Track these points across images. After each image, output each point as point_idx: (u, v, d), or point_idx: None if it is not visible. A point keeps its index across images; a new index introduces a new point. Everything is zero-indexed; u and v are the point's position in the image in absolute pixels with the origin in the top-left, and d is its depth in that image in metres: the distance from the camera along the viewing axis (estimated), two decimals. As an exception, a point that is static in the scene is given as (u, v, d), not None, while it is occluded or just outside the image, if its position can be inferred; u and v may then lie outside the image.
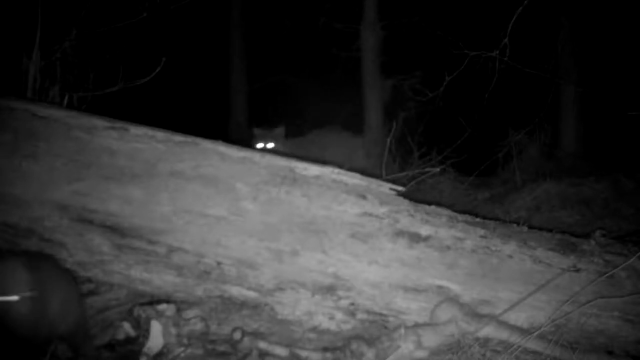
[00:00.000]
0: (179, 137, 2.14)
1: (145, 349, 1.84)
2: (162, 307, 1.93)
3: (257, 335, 1.97)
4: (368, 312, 2.09)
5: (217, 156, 2.12)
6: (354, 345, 1.88)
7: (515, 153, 5.01)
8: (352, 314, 2.09)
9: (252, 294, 2.09)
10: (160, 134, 2.14)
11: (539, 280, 2.06)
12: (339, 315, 2.09)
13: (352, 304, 2.08)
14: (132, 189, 2.08)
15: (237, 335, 1.92)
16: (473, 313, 2.01)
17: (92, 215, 2.07)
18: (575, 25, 5.37)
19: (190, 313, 1.99)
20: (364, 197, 2.13)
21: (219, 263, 2.07)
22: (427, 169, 4.51)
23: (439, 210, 2.20)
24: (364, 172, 2.20)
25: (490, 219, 2.28)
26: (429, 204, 2.24)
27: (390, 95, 5.86)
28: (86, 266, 2.09)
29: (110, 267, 2.08)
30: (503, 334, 1.95)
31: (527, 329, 1.99)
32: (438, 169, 4.52)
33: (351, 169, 2.23)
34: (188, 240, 2.07)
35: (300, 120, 6.86)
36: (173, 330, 1.90)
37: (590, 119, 5.51)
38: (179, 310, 1.96)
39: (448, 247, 2.10)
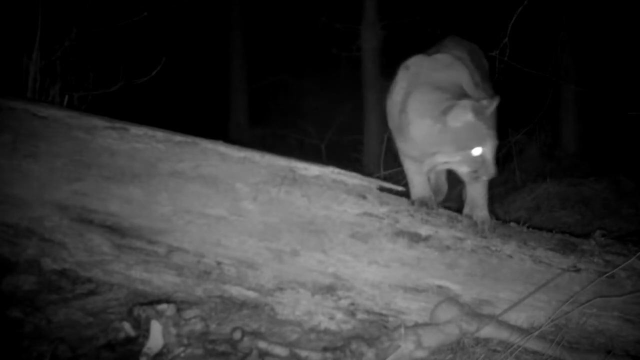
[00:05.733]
0: (179, 137, 2.14)
1: (145, 349, 1.84)
2: (162, 307, 1.92)
3: (257, 335, 1.97)
4: (368, 312, 2.09)
5: (217, 156, 2.12)
6: (354, 345, 1.87)
7: (515, 153, 5.01)
8: (352, 314, 2.09)
9: (252, 294, 2.09)
10: (160, 134, 2.14)
11: (539, 280, 2.06)
12: (339, 315, 2.09)
13: (352, 304, 2.08)
14: (132, 189, 2.08)
15: (237, 335, 1.92)
16: (473, 313, 2.01)
17: (92, 215, 2.07)
18: (575, 25, 5.38)
19: (190, 313, 1.98)
20: (364, 197, 2.13)
21: (219, 263, 2.07)
22: None
23: (439, 210, 2.20)
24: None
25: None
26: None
27: (390, 95, 5.85)
28: (86, 266, 2.09)
29: (110, 267, 2.08)
30: (503, 334, 1.95)
31: (527, 329, 1.99)
32: None
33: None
34: (188, 240, 2.07)
35: (300, 120, 6.87)
36: (173, 330, 1.89)
37: (590, 119, 5.51)
38: (179, 310, 1.96)
39: (448, 247, 2.10)
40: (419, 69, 2.15)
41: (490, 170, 1.95)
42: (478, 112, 1.93)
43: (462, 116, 1.92)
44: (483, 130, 1.94)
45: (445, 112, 1.94)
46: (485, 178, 1.99)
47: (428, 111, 1.99)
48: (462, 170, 2.01)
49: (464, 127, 1.93)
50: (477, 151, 1.94)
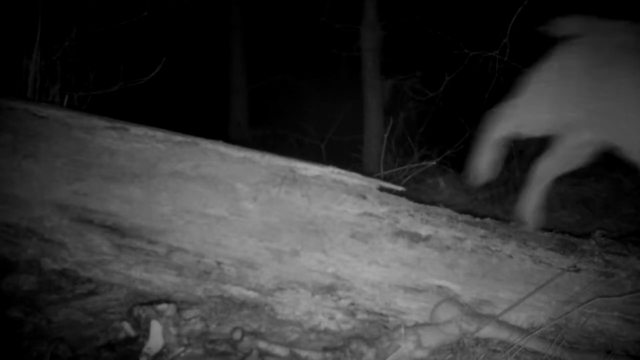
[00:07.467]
0: (179, 137, 2.14)
1: (145, 349, 1.84)
2: (162, 307, 1.92)
3: (257, 335, 1.97)
4: (368, 312, 2.09)
5: (217, 156, 2.12)
6: (354, 345, 1.88)
7: (515, 153, 5.01)
8: (352, 314, 2.09)
9: (252, 294, 2.09)
10: (160, 134, 2.14)
11: (539, 280, 2.06)
12: (339, 315, 2.09)
13: (352, 304, 2.08)
14: (132, 189, 2.08)
15: (237, 335, 1.92)
16: (473, 313, 2.01)
17: (92, 215, 2.07)
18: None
19: (190, 313, 1.99)
20: (364, 197, 2.13)
21: (219, 263, 2.07)
22: (423, 163, 4.50)
23: (439, 210, 2.20)
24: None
25: (490, 219, 2.28)
26: (429, 204, 2.23)
27: (390, 95, 5.86)
28: (86, 266, 2.09)
29: (110, 267, 2.08)
30: (503, 334, 1.95)
31: (527, 329, 1.99)
32: (434, 162, 4.50)
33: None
34: (188, 240, 2.07)
35: (300, 120, 6.87)
36: (173, 330, 1.89)
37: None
38: (179, 310, 1.96)
39: (448, 247, 2.10)
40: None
41: None
42: None
43: None
44: None
45: None
46: None
47: None
48: None
49: None
50: None
